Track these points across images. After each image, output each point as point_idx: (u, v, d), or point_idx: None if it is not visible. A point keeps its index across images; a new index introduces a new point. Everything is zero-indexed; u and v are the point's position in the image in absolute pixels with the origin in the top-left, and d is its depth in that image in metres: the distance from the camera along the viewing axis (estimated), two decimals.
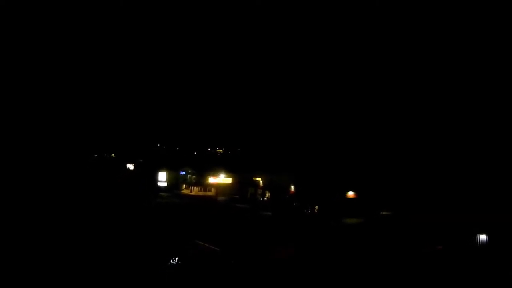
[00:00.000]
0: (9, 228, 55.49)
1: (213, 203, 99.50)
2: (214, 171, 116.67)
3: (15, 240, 50.23)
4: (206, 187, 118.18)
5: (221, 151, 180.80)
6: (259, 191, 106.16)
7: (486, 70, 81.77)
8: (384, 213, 78.39)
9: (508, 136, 71.78)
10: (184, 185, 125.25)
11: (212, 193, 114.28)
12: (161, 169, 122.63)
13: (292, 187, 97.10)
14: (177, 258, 45.46)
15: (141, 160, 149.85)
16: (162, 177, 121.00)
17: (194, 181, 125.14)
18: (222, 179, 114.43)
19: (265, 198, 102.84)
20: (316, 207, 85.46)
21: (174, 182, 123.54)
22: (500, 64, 78.88)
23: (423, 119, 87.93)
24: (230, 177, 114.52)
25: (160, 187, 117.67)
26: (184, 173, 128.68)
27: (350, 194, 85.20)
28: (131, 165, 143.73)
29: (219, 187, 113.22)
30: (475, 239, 56.11)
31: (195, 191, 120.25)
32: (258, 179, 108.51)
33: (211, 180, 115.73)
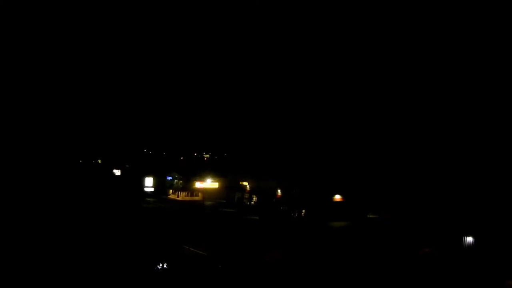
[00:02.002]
0: None
1: (200, 207, 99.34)
2: (201, 176, 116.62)
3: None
4: (193, 192, 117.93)
5: (207, 156, 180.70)
6: (246, 195, 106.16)
7: (469, 76, 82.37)
8: (370, 216, 78.72)
9: (494, 138, 72.23)
10: (171, 190, 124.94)
11: (199, 197, 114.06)
12: (148, 175, 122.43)
13: (279, 191, 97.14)
14: (164, 263, 45.30)
15: (127, 166, 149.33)
16: (149, 183, 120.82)
17: (181, 186, 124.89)
18: (209, 183, 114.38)
19: (252, 202, 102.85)
20: (303, 210, 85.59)
21: (160, 187, 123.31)
22: (491, 67, 79.40)
23: (409, 122, 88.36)
24: (217, 181, 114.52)
25: (146, 192, 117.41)
26: (170, 178, 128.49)
27: (337, 197, 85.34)
28: (118, 170, 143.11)
29: (206, 191, 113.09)
30: (461, 241, 56.36)
31: (182, 196, 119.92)
32: (245, 183, 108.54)
33: (198, 185, 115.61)
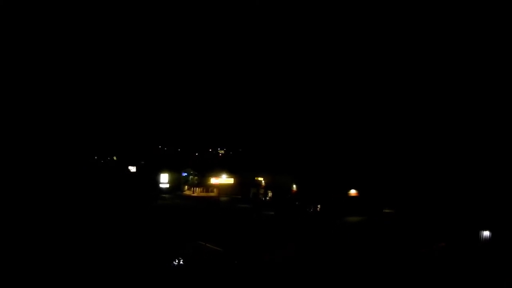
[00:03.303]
0: (12, 231, 55.62)
1: (216, 203, 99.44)
2: (216, 172, 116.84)
3: (16, 242, 50.35)
4: (208, 187, 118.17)
5: (222, 151, 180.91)
6: (261, 190, 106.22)
7: (487, 68, 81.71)
8: (386, 210, 78.39)
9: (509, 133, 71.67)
10: (186, 186, 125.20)
11: (214, 193, 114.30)
12: (163, 171, 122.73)
13: (294, 186, 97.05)
14: (180, 259, 45.49)
15: (143, 162, 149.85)
16: (164, 179, 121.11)
17: (196, 182, 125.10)
18: (224, 179, 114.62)
19: (267, 198, 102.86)
20: (319, 206, 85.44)
21: (176, 184, 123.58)
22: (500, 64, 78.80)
23: (424, 116, 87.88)
24: (232, 177, 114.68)
25: (162, 189, 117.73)
26: (186, 174, 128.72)
27: (352, 192, 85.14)
28: (133, 167, 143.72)
29: (221, 187, 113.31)
30: (478, 235, 55.97)
31: (197, 192, 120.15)
32: (260, 179, 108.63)
33: (213, 180, 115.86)
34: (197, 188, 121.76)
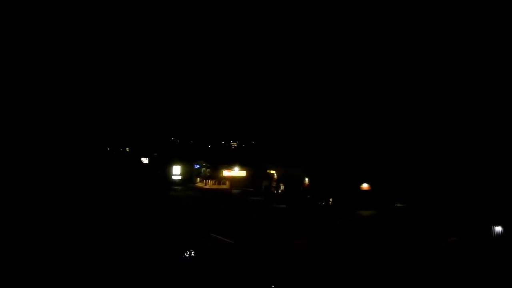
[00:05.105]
0: (25, 220, 56.22)
1: (228, 196, 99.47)
2: (228, 164, 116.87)
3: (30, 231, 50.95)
4: (220, 180, 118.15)
5: (235, 144, 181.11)
6: (274, 183, 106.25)
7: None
8: (398, 205, 78.14)
9: None
10: (198, 179, 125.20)
11: (226, 186, 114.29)
12: (175, 163, 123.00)
13: (307, 179, 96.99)
14: (191, 251, 45.70)
15: (155, 154, 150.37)
16: (176, 171, 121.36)
17: (208, 174, 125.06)
18: (236, 172, 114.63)
19: (279, 191, 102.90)
20: (330, 199, 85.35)
21: (188, 176, 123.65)
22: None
23: (438, 111, 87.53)
24: (244, 170, 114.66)
25: (174, 181, 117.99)
26: (198, 166, 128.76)
27: (365, 186, 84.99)
28: (146, 159, 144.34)
29: (233, 180, 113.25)
30: (490, 231, 55.72)
31: (210, 184, 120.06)
32: (273, 171, 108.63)
33: (226, 173, 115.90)
34: (209, 181, 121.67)
